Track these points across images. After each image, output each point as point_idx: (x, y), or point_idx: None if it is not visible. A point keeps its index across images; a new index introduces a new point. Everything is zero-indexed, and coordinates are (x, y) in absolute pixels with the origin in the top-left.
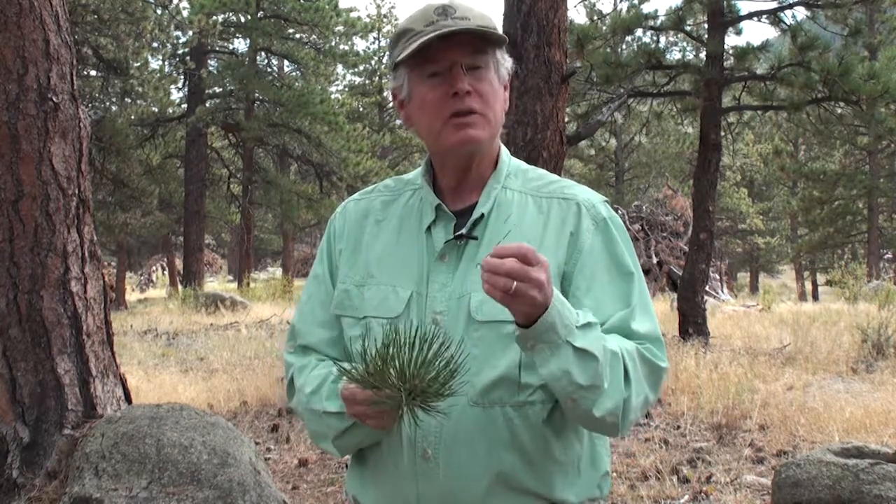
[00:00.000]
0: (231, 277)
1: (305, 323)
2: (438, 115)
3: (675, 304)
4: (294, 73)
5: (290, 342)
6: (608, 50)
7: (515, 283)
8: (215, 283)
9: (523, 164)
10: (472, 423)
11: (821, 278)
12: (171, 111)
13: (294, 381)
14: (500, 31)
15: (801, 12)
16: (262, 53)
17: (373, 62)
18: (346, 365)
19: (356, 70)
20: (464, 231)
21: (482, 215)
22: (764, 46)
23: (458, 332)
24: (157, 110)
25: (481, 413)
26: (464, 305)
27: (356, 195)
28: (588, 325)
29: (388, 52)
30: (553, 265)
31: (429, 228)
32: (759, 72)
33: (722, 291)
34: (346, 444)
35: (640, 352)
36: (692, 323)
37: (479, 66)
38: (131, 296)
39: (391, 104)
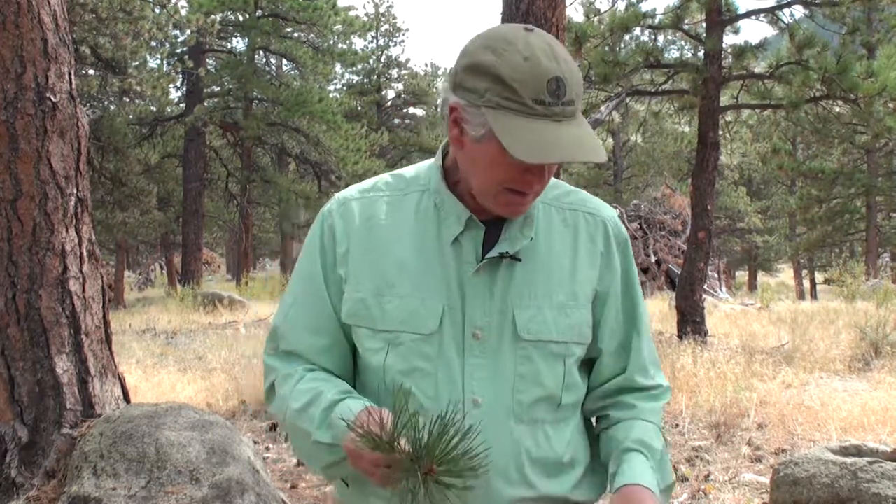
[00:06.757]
0: (229, 276)
1: (292, 327)
2: (497, 180)
3: (674, 302)
4: (292, 72)
5: (272, 343)
6: (606, 48)
7: None
8: (214, 282)
9: None
10: (512, 439)
11: (819, 277)
12: (169, 110)
13: (276, 387)
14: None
15: (799, 11)
16: (261, 52)
17: (371, 61)
18: (352, 420)
19: (354, 69)
20: (509, 251)
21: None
22: (762, 45)
23: (503, 347)
24: (155, 109)
25: (525, 430)
26: (507, 321)
27: (354, 192)
28: (670, 486)
29: (459, 66)
30: (588, 284)
31: (456, 239)
32: (757, 70)
33: (720, 290)
34: (336, 474)
35: (658, 412)
36: (690, 321)
37: None
38: (130, 295)
39: (389, 103)
